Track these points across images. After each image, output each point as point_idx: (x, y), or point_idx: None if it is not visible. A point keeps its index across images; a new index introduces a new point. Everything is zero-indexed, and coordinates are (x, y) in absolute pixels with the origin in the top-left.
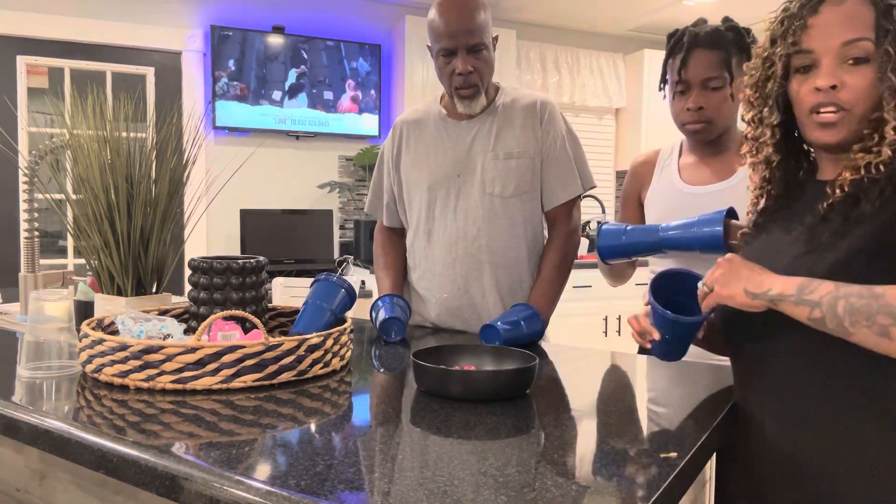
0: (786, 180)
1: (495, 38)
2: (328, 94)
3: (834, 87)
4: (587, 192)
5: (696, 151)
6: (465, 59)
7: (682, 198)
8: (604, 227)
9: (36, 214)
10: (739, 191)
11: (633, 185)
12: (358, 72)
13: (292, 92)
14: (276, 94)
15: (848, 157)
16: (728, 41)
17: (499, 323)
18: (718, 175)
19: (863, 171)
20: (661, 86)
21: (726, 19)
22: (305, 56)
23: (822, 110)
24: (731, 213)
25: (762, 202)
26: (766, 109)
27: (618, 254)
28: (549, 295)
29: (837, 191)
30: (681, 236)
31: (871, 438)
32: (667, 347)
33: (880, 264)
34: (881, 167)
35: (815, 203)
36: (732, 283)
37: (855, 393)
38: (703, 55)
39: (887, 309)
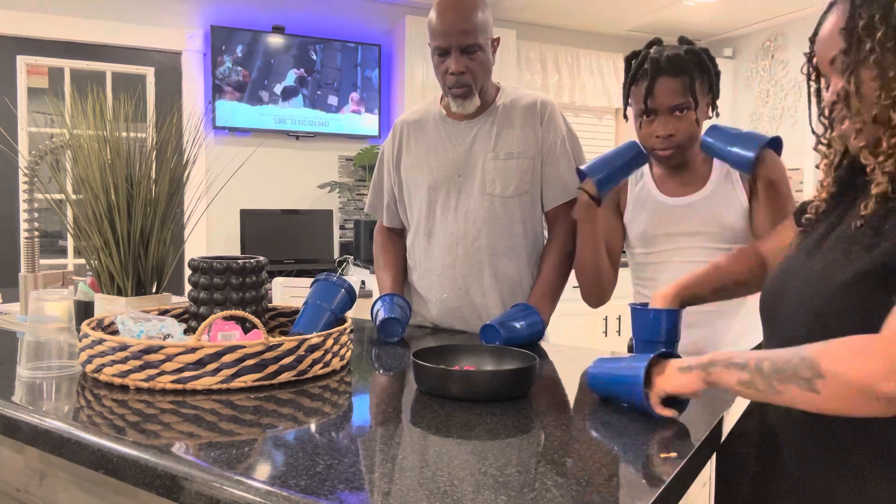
0: (840, 181)
1: (496, 40)
2: (328, 94)
3: (836, 103)
4: None
5: (667, 166)
6: (457, 59)
7: (666, 210)
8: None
9: (36, 214)
10: (714, 200)
11: (612, 194)
12: (358, 72)
13: (292, 92)
14: (277, 94)
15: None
16: (690, 65)
17: (498, 323)
18: (694, 186)
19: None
20: (625, 110)
21: (683, 40)
22: (305, 56)
23: (838, 122)
24: (774, 143)
25: (822, 203)
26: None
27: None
28: (549, 295)
29: (864, 209)
30: (718, 146)
31: (870, 441)
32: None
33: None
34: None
35: (854, 213)
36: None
37: None
38: (668, 82)
39: (808, 363)
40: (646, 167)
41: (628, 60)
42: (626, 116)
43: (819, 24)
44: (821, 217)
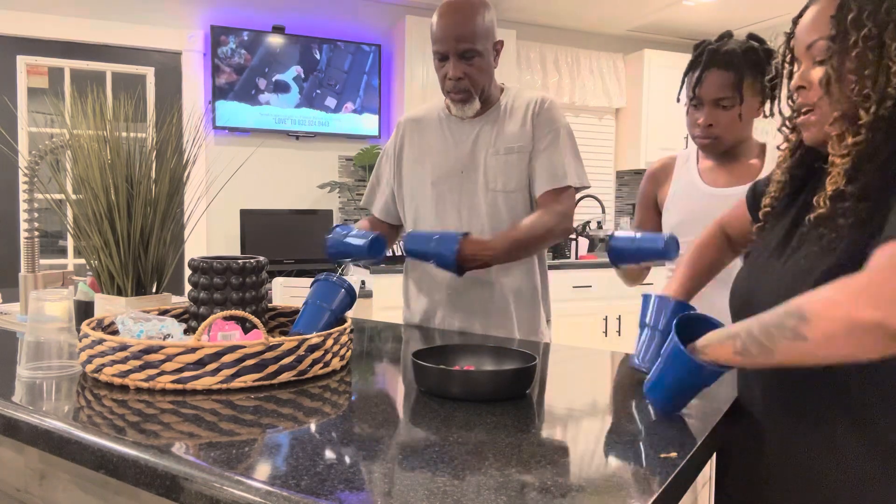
0: (799, 172)
1: (499, 44)
2: (328, 94)
3: (802, 88)
4: (584, 193)
5: (713, 158)
6: (455, 64)
7: (705, 198)
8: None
9: (36, 214)
10: None
11: (650, 188)
12: (358, 72)
13: (293, 92)
14: (277, 94)
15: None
16: (743, 63)
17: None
18: (739, 179)
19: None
20: (679, 95)
21: (752, 36)
22: (305, 56)
23: (799, 112)
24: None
25: (780, 194)
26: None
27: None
28: (510, 238)
29: (829, 187)
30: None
31: (859, 437)
32: (669, 393)
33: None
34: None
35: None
36: None
37: (836, 393)
38: (717, 75)
39: (791, 310)
40: (692, 159)
41: (695, 48)
42: (678, 99)
43: (805, 7)
44: (779, 211)
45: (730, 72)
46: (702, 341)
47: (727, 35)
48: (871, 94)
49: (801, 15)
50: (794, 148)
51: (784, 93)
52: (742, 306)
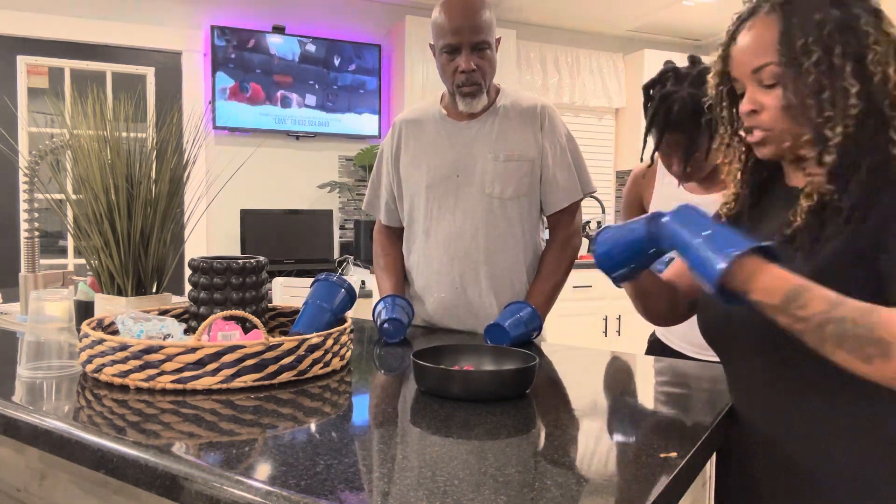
0: (754, 185)
1: (498, 40)
2: (328, 94)
3: (755, 112)
4: (587, 195)
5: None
6: (468, 56)
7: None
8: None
9: (36, 214)
10: None
11: (635, 191)
12: (358, 72)
13: (292, 92)
14: (276, 94)
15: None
16: (689, 120)
17: (507, 322)
18: (719, 186)
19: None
20: (642, 155)
21: (693, 60)
22: (306, 56)
23: (752, 131)
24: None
25: (735, 208)
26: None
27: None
28: (546, 293)
29: (804, 202)
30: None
31: (852, 433)
32: (610, 251)
33: (853, 274)
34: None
35: (785, 210)
36: None
37: (825, 394)
38: (675, 137)
39: (877, 341)
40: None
41: (646, 89)
42: (649, 159)
43: (735, 30)
44: (741, 223)
45: (685, 133)
46: (756, 295)
47: (668, 73)
48: (833, 116)
49: (733, 36)
50: (746, 162)
51: (724, 113)
52: (718, 330)
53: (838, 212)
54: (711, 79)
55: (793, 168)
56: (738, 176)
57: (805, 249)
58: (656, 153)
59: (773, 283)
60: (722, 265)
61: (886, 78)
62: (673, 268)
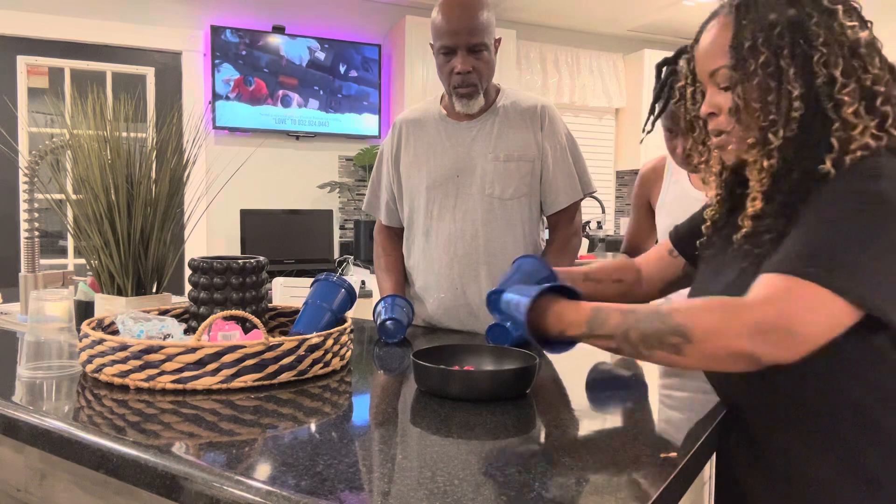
0: (733, 186)
1: (498, 41)
2: (328, 94)
3: (713, 114)
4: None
5: None
6: (464, 58)
7: (696, 203)
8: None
9: (36, 214)
10: None
11: (643, 191)
12: (358, 72)
13: (292, 92)
14: (276, 94)
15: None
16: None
17: (509, 322)
18: None
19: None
20: (648, 118)
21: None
22: (305, 56)
23: (715, 135)
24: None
25: (719, 210)
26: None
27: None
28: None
29: (749, 208)
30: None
31: (847, 436)
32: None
33: None
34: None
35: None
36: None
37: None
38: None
39: (676, 330)
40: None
41: (659, 67)
42: (648, 129)
43: (700, 31)
44: (713, 235)
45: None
46: (569, 331)
47: (685, 54)
48: (776, 119)
49: (697, 38)
50: (723, 163)
51: (684, 112)
52: None
53: (769, 216)
54: (681, 80)
55: None
56: (716, 177)
57: (751, 257)
58: (657, 121)
59: (576, 315)
60: (526, 303)
61: (832, 80)
62: (645, 255)
